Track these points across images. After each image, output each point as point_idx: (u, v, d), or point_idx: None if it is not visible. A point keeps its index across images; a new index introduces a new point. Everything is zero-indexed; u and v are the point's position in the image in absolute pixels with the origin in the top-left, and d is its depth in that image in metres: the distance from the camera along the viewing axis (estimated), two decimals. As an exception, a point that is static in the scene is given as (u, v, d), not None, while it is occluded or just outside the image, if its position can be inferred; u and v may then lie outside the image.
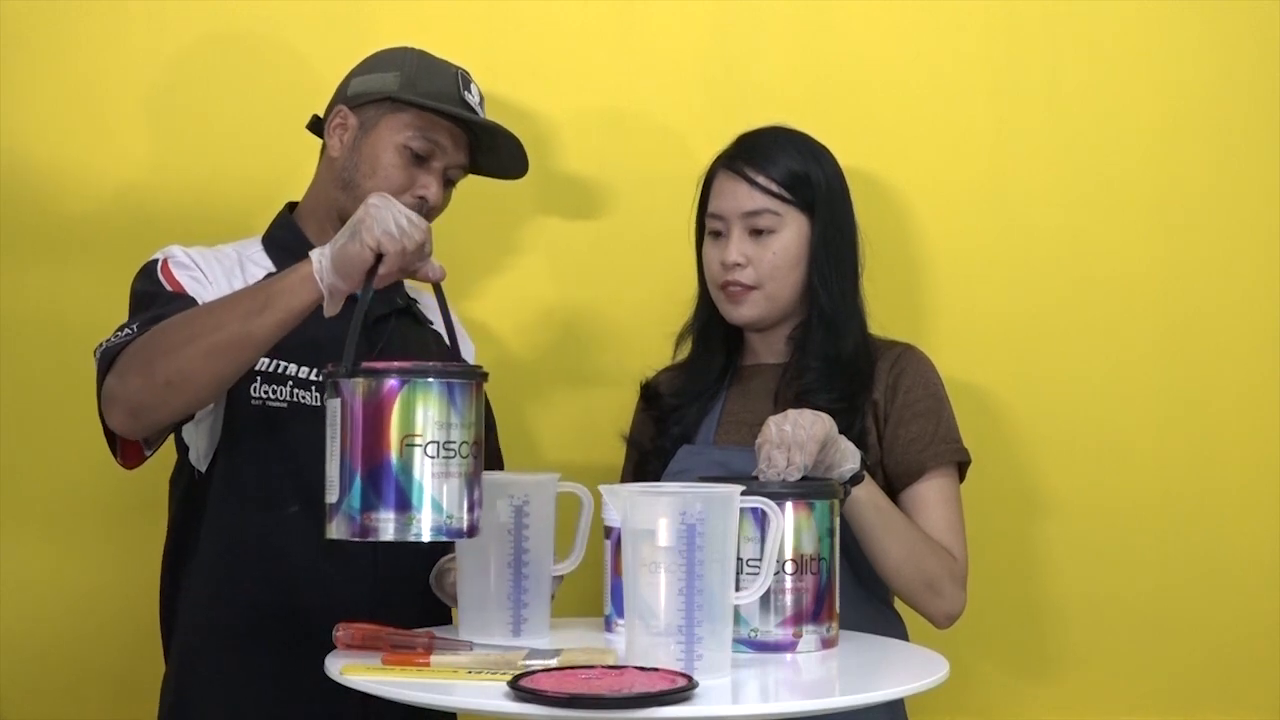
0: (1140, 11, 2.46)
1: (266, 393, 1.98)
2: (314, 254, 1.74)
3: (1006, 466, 2.42)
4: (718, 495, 1.58)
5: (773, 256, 2.05)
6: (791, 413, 1.82)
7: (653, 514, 1.57)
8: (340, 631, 1.71)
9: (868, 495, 1.89)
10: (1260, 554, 2.43)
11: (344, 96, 2.10)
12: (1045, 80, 2.46)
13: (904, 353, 2.09)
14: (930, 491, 2.01)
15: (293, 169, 2.41)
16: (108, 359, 1.86)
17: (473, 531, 1.63)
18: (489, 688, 1.50)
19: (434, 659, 1.62)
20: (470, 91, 2.09)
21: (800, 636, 1.72)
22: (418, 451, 1.59)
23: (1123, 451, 2.44)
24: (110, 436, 1.94)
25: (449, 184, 2.10)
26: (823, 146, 2.11)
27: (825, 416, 1.82)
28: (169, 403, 1.82)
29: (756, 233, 2.05)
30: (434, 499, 1.59)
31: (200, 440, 2.01)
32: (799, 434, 1.78)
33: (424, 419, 1.59)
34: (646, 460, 2.11)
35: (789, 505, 1.72)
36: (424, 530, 1.59)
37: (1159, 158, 2.45)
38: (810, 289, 2.06)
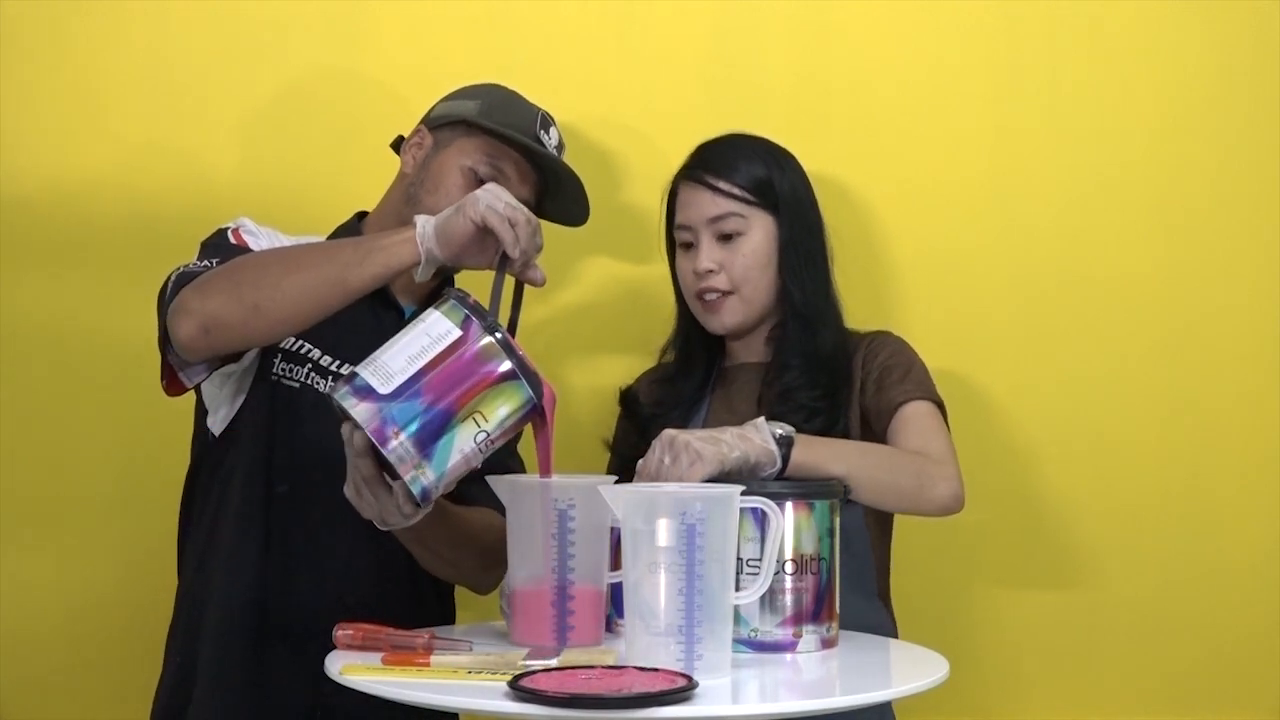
0: (1140, 12, 2.46)
1: (283, 370, 2.01)
2: (419, 219, 1.80)
3: (1003, 466, 2.42)
4: (718, 495, 1.59)
5: (744, 259, 2.06)
6: (680, 443, 1.76)
7: (653, 514, 1.57)
8: (340, 631, 1.71)
9: (803, 450, 1.82)
10: (1260, 554, 2.43)
11: (426, 118, 2.14)
12: (1045, 80, 2.46)
13: (875, 336, 2.11)
14: (907, 413, 1.98)
15: (293, 167, 2.43)
16: (184, 281, 1.88)
17: (427, 505, 1.68)
18: (489, 688, 1.49)
19: (434, 659, 1.62)
20: (548, 133, 2.12)
21: (800, 636, 1.72)
22: (474, 429, 1.64)
23: (1121, 451, 2.44)
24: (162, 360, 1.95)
25: None
26: (782, 148, 2.12)
27: (708, 454, 1.75)
28: (248, 325, 1.83)
29: (725, 238, 2.07)
30: (445, 469, 1.64)
31: (222, 404, 2.03)
32: (671, 475, 1.75)
33: (499, 412, 1.65)
34: (631, 470, 2.08)
35: (789, 505, 1.72)
36: (418, 482, 1.63)
37: (1158, 157, 2.45)
38: (783, 288, 2.08)
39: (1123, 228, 2.45)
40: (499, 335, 1.66)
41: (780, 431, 1.82)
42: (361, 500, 1.71)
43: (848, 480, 1.83)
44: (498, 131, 2.07)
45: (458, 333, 1.65)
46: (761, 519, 1.68)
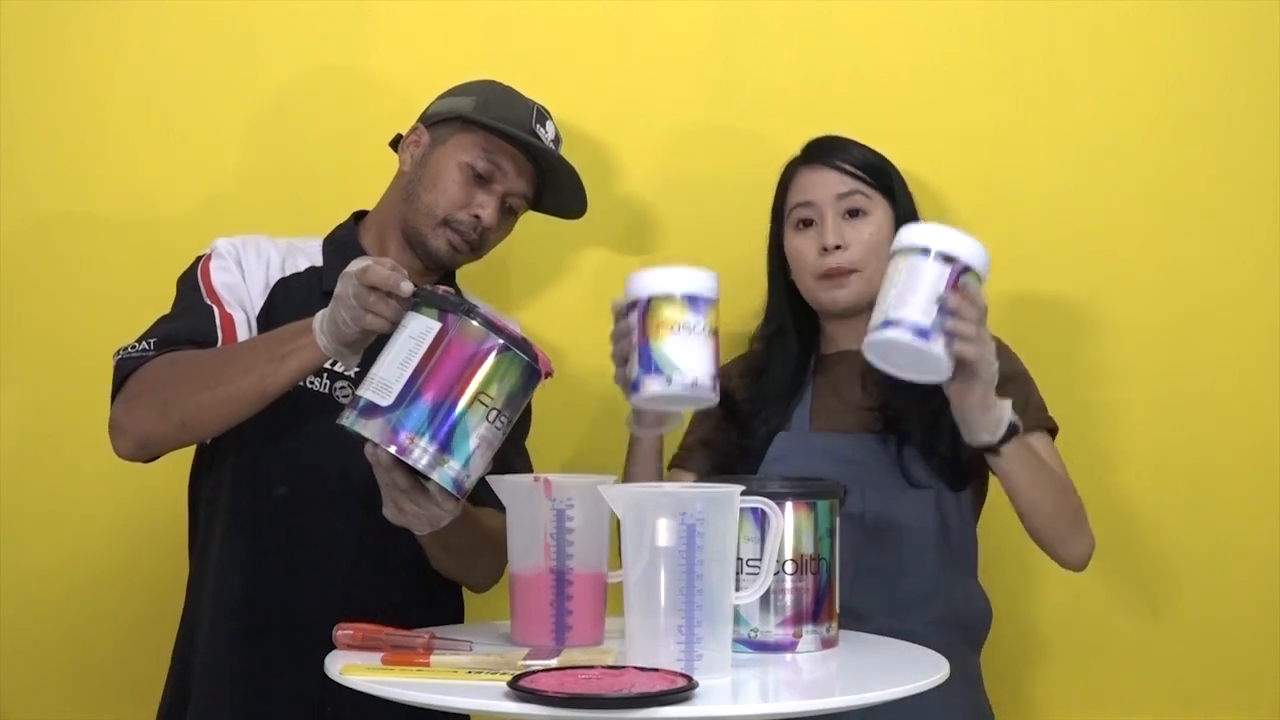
0: (1141, 10, 2.46)
1: None
2: (314, 320, 1.79)
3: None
4: (718, 495, 1.59)
5: (868, 237, 2.09)
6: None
7: (653, 513, 1.57)
8: (340, 631, 1.71)
9: (1017, 449, 1.88)
10: (1261, 553, 2.43)
11: (423, 116, 2.15)
12: (1046, 80, 2.46)
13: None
14: (1037, 445, 2.02)
15: (295, 167, 2.43)
16: (122, 373, 1.92)
17: (463, 496, 1.70)
18: (489, 688, 1.50)
19: (434, 659, 1.62)
20: (544, 127, 2.14)
21: (800, 636, 1.73)
22: (484, 411, 1.66)
23: (1121, 450, 2.44)
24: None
25: (510, 212, 2.14)
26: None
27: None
28: (180, 438, 1.94)
29: (851, 214, 2.09)
30: (469, 456, 1.66)
31: None
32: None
33: (502, 387, 1.67)
34: (732, 464, 2.10)
35: (789, 505, 1.72)
36: (447, 477, 1.66)
37: (1159, 155, 2.45)
38: None
39: (1123, 224, 2.45)
40: (477, 315, 1.67)
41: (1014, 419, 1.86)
42: (406, 515, 1.73)
43: (1023, 504, 1.93)
44: (494, 126, 2.08)
45: (437, 326, 1.67)
46: (761, 519, 1.68)
